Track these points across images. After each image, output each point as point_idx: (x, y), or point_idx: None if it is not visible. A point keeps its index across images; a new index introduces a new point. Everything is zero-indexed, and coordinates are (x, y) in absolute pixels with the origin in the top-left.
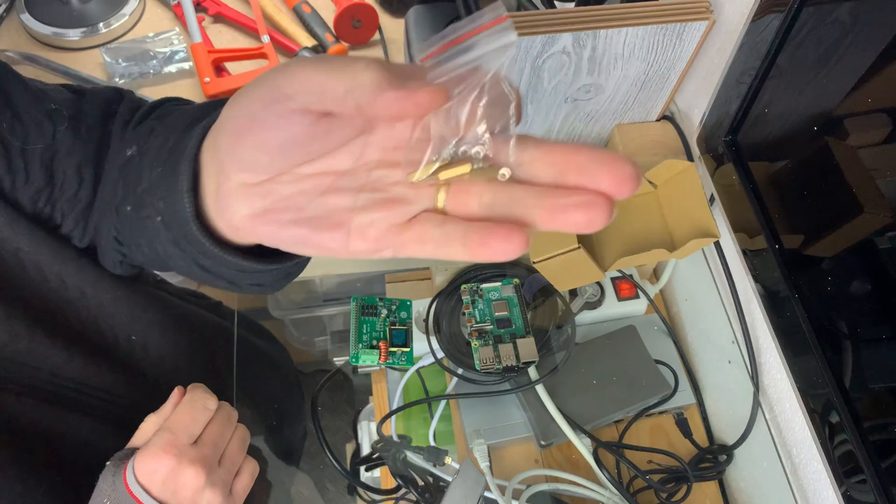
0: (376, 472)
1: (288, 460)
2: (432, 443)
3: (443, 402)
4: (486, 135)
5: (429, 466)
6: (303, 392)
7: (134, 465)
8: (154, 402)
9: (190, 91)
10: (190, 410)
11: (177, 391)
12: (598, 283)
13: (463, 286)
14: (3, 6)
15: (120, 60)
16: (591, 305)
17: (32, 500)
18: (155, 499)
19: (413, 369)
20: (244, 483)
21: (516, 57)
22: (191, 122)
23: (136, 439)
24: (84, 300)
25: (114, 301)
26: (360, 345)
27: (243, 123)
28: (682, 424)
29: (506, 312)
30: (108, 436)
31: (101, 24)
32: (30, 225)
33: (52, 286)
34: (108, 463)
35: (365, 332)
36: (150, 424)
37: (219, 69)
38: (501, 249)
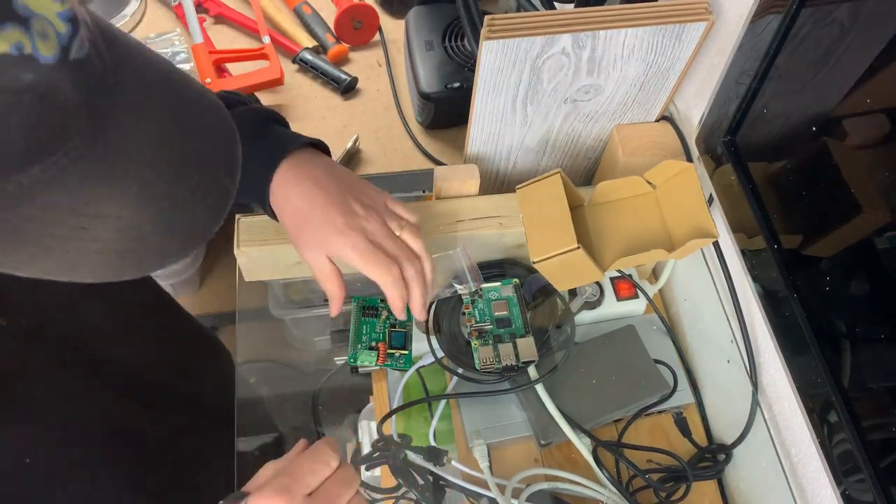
0: (377, 471)
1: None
2: (432, 442)
3: (443, 402)
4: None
5: (429, 466)
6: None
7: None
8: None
9: None
10: (311, 462)
11: (301, 442)
12: (598, 283)
13: (463, 285)
14: None
15: None
16: (591, 305)
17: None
18: None
19: (413, 369)
20: None
21: (514, 62)
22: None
23: (252, 484)
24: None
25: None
26: (360, 345)
27: (294, 237)
28: (681, 424)
29: (505, 312)
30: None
31: None
32: None
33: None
34: (220, 502)
35: (365, 332)
36: (268, 470)
37: (220, 70)
38: None
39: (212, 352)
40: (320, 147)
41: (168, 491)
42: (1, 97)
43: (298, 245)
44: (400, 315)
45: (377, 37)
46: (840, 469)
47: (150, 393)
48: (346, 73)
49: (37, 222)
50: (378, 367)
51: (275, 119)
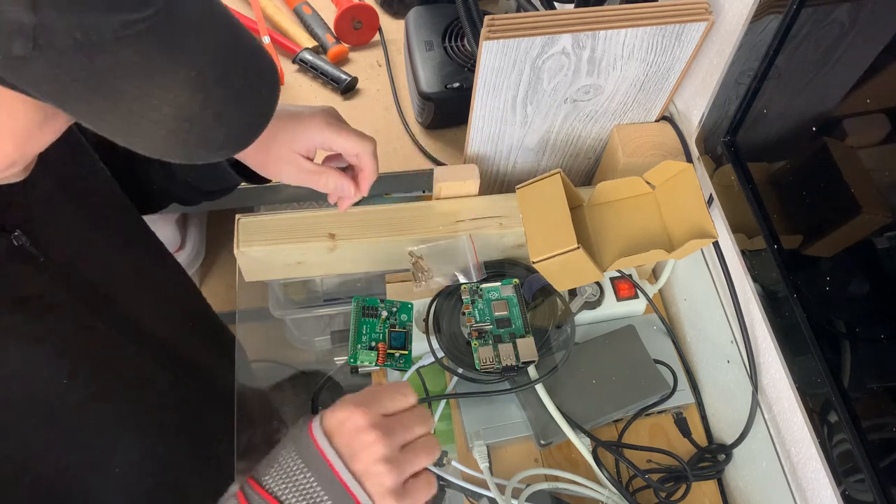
0: None
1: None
2: None
3: (443, 402)
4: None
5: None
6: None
7: (324, 414)
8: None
9: None
10: (391, 391)
11: (379, 383)
12: (598, 283)
13: (463, 286)
14: None
15: None
16: (591, 305)
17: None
18: (334, 448)
19: (413, 368)
20: (420, 489)
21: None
22: None
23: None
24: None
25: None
26: (359, 345)
27: (263, 165)
28: (681, 424)
29: (505, 312)
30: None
31: None
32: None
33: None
34: (301, 417)
35: (364, 332)
36: (346, 400)
37: None
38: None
39: (228, 340)
40: None
41: (178, 445)
42: None
43: (271, 166)
44: (353, 197)
45: (377, 37)
46: (840, 469)
47: (168, 358)
48: (346, 74)
49: (109, 76)
50: (378, 367)
51: None
